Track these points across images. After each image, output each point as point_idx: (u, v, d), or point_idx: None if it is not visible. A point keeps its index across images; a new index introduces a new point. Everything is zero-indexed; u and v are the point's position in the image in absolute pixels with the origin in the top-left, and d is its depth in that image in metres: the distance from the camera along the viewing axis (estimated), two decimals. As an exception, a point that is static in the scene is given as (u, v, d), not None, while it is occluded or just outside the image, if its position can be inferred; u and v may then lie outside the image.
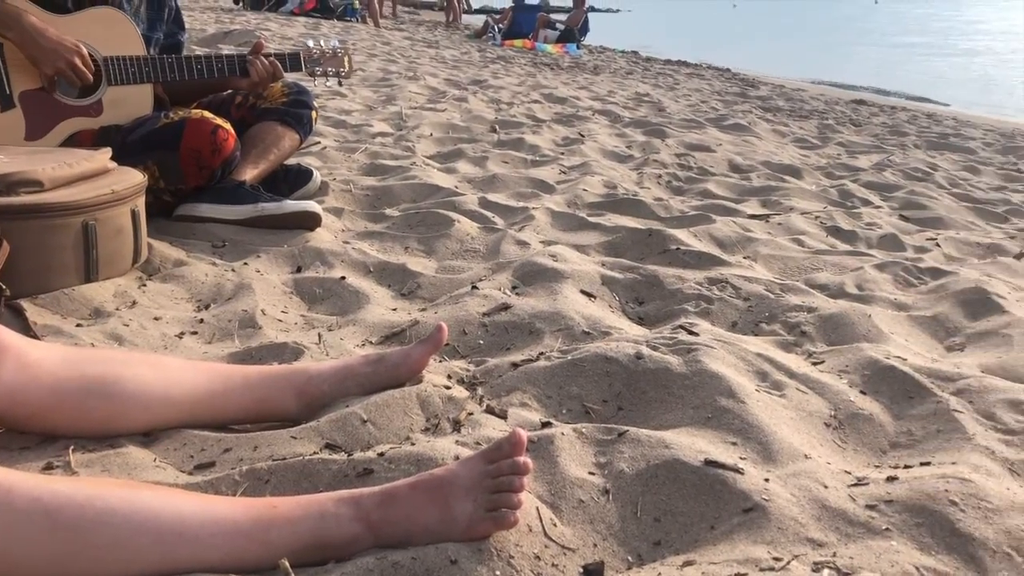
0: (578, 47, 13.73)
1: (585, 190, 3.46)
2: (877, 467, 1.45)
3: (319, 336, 1.90)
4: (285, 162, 2.96)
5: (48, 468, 1.31)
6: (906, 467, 1.42)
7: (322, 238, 2.60)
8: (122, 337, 1.81)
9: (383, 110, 5.25)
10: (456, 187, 3.37)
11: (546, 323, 1.95)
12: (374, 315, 2.05)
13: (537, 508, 1.21)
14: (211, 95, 2.88)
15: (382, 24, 14.39)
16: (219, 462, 1.37)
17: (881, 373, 1.73)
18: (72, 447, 1.36)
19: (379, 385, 1.54)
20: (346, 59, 2.94)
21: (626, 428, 1.42)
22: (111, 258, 2.12)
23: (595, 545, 1.20)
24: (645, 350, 1.70)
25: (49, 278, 1.99)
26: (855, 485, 1.33)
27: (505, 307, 2.02)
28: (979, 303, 2.26)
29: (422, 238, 2.71)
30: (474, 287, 2.19)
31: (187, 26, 2.96)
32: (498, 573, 1.08)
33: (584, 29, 14.52)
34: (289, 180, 2.99)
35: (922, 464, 1.42)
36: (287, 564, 1.08)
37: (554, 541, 1.18)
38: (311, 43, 2.90)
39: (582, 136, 4.95)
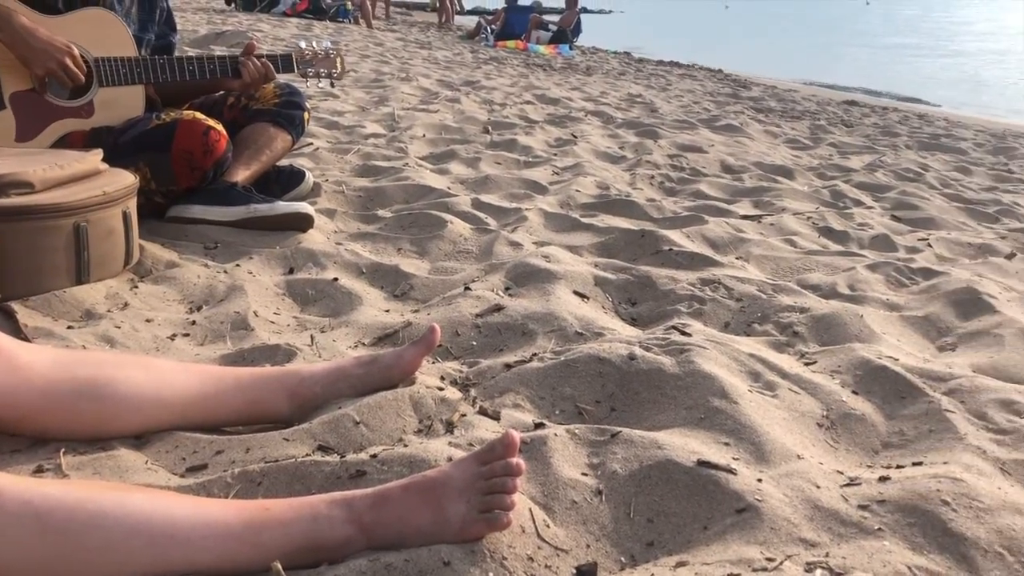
0: (571, 48, 13.74)
1: (578, 191, 3.46)
2: (869, 467, 1.46)
3: (311, 338, 1.89)
4: (277, 163, 2.95)
5: (39, 471, 1.31)
6: (898, 467, 1.42)
7: (315, 239, 2.59)
8: (114, 339, 1.80)
9: (376, 111, 5.25)
10: (449, 188, 3.36)
11: (539, 324, 1.95)
12: (367, 316, 2.05)
13: (530, 509, 1.21)
14: (203, 96, 2.88)
15: (375, 25, 14.38)
16: (211, 464, 1.37)
17: (873, 373, 1.73)
18: (63, 450, 1.35)
19: (372, 387, 1.54)
20: (338, 60, 2.94)
21: (619, 429, 1.42)
22: (103, 260, 2.12)
23: (588, 546, 1.20)
24: (638, 351, 1.70)
25: (40, 280, 1.98)
26: (847, 485, 1.33)
27: (498, 308, 2.02)
28: (970, 303, 2.27)
29: (415, 239, 2.70)
30: (467, 288, 2.18)
31: (179, 27, 2.95)
32: (491, 575, 1.08)
33: (577, 30, 14.54)
34: (281, 181, 2.99)
35: (914, 464, 1.42)
36: (279, 566, 1.07)
37: (547, 542, 1.17)
38: (303, 44, 2.90)
39: (575, 137, 4.95)
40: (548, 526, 1.21)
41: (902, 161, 5.24)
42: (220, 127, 2.57)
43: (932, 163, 5.37)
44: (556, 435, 1.39)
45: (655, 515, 1.26)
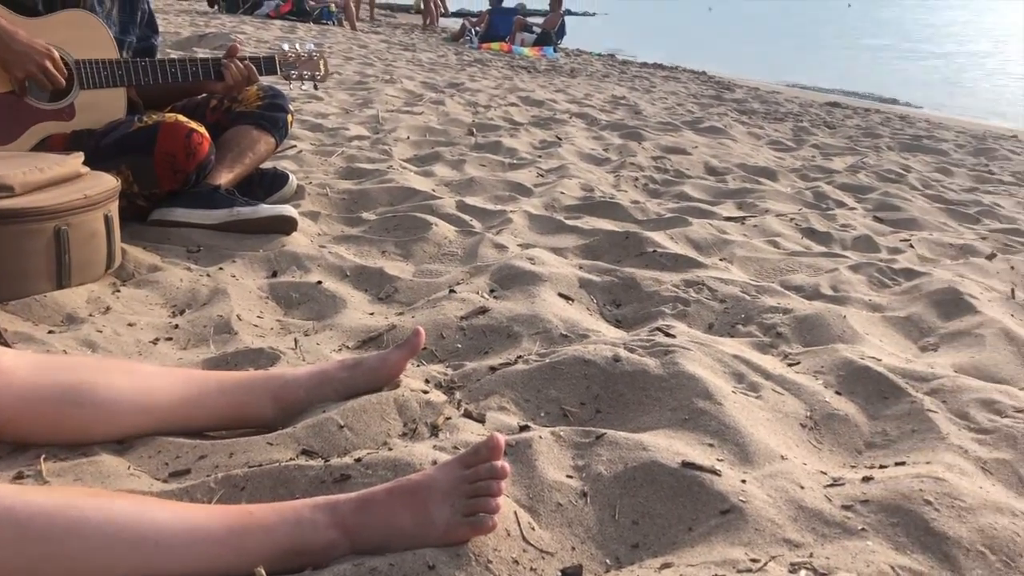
0: (555, 50, 13.76)
1: (562, 193, 3.47)
2: (853, 467, 1.46)
3: (295, 341, 1.88)
4: (261, 166, 2.94)
5: (19, 477, 1.30)
6: (881, 467, 1.43)
7: (298, 242, 2.58)
8: (96, 344, 1.79)
9: (360, 113, 5.24)
10: (433, 190, 3.36)
11: (524, 326, 1.95)
12: (351, 320, 2.04)
13: (515, 512, 1.21)
14: (185, 99, 2.86)
15: (359, 27, 14.35)
16: (194, 469, 1.36)
17: (856, 374, 1.74)
18: (44, 456, 1.34)
19: (356, 390, 1.54)
20: (322, 63, 2.93)
21: (604, 431, 1.42)
22: (84, 264, 2.10)
23: (573, 548, 1.20)
24: (623, 352, 1.70)
25: (20, 284, 1.97)
26: (831, 485, 1.34)
27: (483, 311, 2.02)
28: (952, 303, 2.29)
29: (399, 242, 2.70)
30: (452, 291, 2.18)
31: (161, 29, 2.94)
32: (476, 578, 1.08)
33: (561, 32, 14.56)
34: (265, 184, 2.98)
35: (897, 464, 1.43)
36: (263, 572, 1.07)
37: (532, 545, 1.17)
38: (286, 47, 2.89)
39: (559, 139, 4.96)
40: (533, 529, 1.20)
41: (884, 162, 5.28)
42: (203, 130, 2.55)
43: (914, 164, 5.41)
44: (541, 437, 1.39)
45: (640, 517, 1.26)
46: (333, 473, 1.28)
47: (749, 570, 1.12)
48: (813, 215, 3.47)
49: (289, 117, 2.93)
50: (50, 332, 1.83)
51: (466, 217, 2.99)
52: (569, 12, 17.99)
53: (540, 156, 4.38)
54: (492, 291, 2.22)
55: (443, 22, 18.53)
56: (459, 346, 1.90)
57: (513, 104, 6.47)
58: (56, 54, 2.41)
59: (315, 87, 3.00)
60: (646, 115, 6.63)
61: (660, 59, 14.25)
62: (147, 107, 2.75)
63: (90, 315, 1.95)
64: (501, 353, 1.84)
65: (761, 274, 2.63)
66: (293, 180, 3.10)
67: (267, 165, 3.05)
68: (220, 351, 1.82)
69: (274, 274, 2.35)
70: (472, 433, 1.45)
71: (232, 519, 1.10)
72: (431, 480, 1.15)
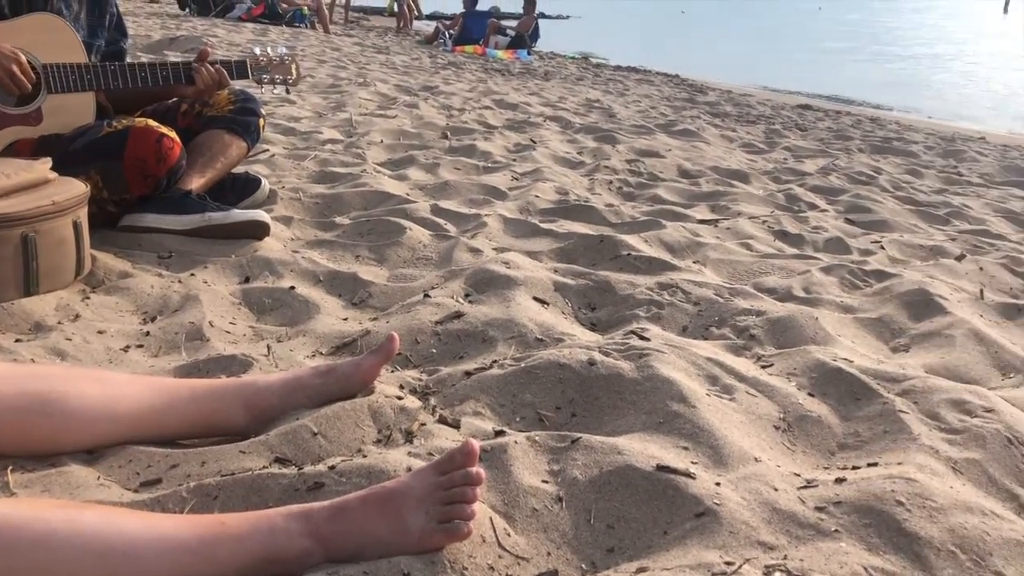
0: (529, 53, 13.79)
1: (537, 196, 3.47)
2: (826, 468, 1.47)
3: (268, 347, 1.87)
4: (233, 171, 2.92)
5: (-14, 489, 1.28)
6: (854, 468, 1.44)
7: (271, 247, 2.56)
8: (65, 352, 1.77)
9: (333, 117, 5.21)
10: (407, 194, 3.35)
11: (499, 331, 1.94)
12: (324, 325, 2.03)
13: (490, 518, 1.21)
14: (156, 103, 2.83)
15: (332, 30, 14.30)
16: (166, 479, 1.34)
17: (828, 375, 1.75)
18: (11, 467, 1.32)
19: (329, 397, 1.53)
20: (293, 67, 2.92)
21: (579, 435, 1.42)
22: (52, 271, 2.07)
23: (549, 554, 1.20)
24: (597, 356, 1.70)
25: (-13, 292, 1.94)
26: (804, 487, 1.34)
27: (458, 315, 2.01)
28: (922, 304, 2.31)
29: (373, 246, 2.69)
30: (426, 295, 2.18)
31: (132, 32, 2.91)
32: (451, 585, 1.08)
33: (535, 35, 14.59)
34: (237, 189, 2.95)
35: (869, 465, 1.44)
36: (236, 582, 1.06)
37: (508, 551, 1.17)
38: (258, 50, 2.87)
39: (534, 142, 4.96)
40: (509, 535, 1.20)
41: (855, 164, 5.33)
42: (173, 134, 2.53)
43: (884, 166, 5.47)
44: (516, 442, 1.39)
45: (615, 521, 1.26)
46: (307, 481, 1.27)
47: (724, 573, 1.12)
48: (785, 217, 3.49)
49: (261, 121, 2.91)
50: (17, 341, 1.81)
51: (440, 221, 2.99)
52: (543, 15, 18.03)
53: (515, 159, 4.39)
54: (467, 295, 2.21)
55: (417, 25, 18.50)
56: (434, 351, 1.89)
57: (487, 107, 6.47)
58: (23, 58, 2.38)
59: (287, 91, 2.97)
60: (620, 118, 6.65)
61: (633, 62, 14.30)
62: (117, 112, 2.72)
63: (59, 323, 1.92)
64: (476, 358, 1.84)
65: (734, 276, 2.64)
66: (265, 184, 3.07)
67: (239, 169, 3.03)
68: (192, 358, 1.80)
69: (246, 280, 2.33)
70: (447, 439, 1.44)
71: (203, 528, 1.09)
72: (406, 487, 1.14)
